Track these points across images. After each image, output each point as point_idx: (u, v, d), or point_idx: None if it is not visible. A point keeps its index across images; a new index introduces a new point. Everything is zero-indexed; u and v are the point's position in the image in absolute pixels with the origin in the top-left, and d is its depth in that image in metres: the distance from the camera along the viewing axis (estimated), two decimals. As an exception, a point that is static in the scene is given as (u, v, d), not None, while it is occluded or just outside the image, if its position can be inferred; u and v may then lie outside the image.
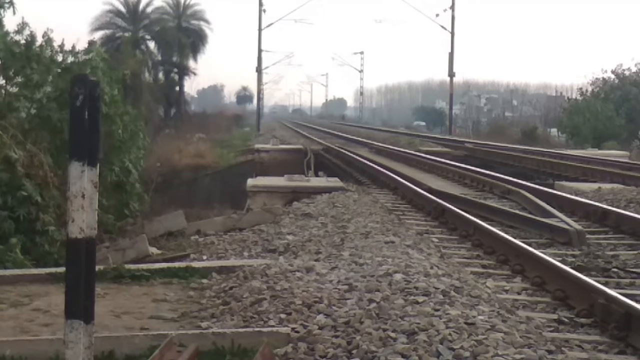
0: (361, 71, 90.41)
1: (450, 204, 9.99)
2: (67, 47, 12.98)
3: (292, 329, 4.56)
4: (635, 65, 43.58)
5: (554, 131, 48.22)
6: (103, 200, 11.08)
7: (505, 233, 7.95)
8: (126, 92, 17.17)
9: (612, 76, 44.33)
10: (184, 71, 54.64)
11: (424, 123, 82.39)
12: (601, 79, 44.59)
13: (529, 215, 9.56)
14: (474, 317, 4.44)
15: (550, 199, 10.94)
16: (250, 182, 14.26)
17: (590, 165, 17.60)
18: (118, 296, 5.93)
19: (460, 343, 3.97)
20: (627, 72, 43.82)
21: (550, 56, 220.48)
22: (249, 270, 6.37)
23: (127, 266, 6.80)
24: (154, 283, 6.39)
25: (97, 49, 13.86)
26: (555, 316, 5.32)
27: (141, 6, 51.50)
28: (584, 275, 5.92)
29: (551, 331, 4.92)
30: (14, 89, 12.32)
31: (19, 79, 12.25)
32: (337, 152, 23.42)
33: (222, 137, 40.41)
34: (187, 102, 59.96)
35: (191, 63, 55.49)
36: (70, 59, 12.99)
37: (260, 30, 45.88)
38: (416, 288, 5.12)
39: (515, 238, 7.67)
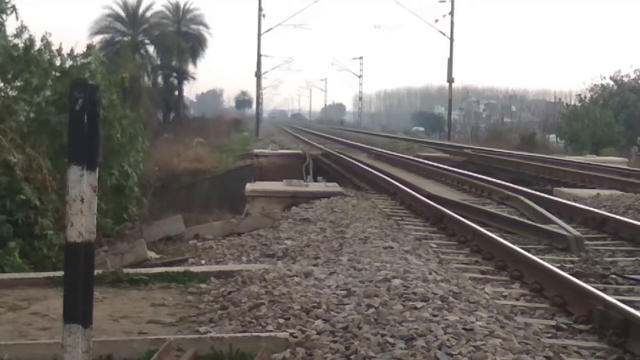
0: (360, 76, 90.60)
1: (449, 210, 9.99)
2: (66, 50, 12.97)
3: (291, 334, 4.55)
4: (634, 71, 43.72)
5: (552, 137, 48.23)
6: (102, 204, 11.06)
7: (504, 239, 7.95)
8: (125, 96, 17.13)
9: (611, 82, 44.38)
10: (183, 75, 54.71)
11: (422, 128, 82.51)
12: (600, 86, 44.63)
13: (528, 221, 9.57)
14: (472, 322, 4.44)
15: (549, 205, 10.95)
16: (249, 186, 14.25)
17: (589, 171, 17.61)
18: (116, 300, 5.92)
19: (459, 349, 3.97)
20: (625, 79, 43.87)
21: (549, 62, 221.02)
22: (247, 275, 6.37)
23: (126, 270, 6.80)
24: (152, 287, 6.38)
25: (94, 52, 13.82)
26: (553, 322, 5.32)
27: (141, 10, 51.68)
28: (583, 281, 5.93)
29: (549, 337, 4.92)
30: (13, 93, 12.30)
31: (17, 83, 12.24)
32: (336, 157, 23.41)
33: (221, 142, 40.41)
34: (186, 106, 59.94)
35: (190, 67, 55.72)
36: (68, 63, 12.97)
37: (259, 35, 46.00)
38: (414, 293, 5.12)
39: (513, 244, 7.68)
